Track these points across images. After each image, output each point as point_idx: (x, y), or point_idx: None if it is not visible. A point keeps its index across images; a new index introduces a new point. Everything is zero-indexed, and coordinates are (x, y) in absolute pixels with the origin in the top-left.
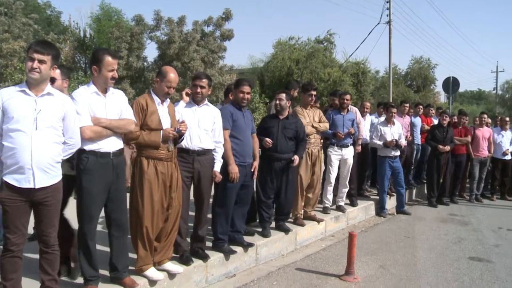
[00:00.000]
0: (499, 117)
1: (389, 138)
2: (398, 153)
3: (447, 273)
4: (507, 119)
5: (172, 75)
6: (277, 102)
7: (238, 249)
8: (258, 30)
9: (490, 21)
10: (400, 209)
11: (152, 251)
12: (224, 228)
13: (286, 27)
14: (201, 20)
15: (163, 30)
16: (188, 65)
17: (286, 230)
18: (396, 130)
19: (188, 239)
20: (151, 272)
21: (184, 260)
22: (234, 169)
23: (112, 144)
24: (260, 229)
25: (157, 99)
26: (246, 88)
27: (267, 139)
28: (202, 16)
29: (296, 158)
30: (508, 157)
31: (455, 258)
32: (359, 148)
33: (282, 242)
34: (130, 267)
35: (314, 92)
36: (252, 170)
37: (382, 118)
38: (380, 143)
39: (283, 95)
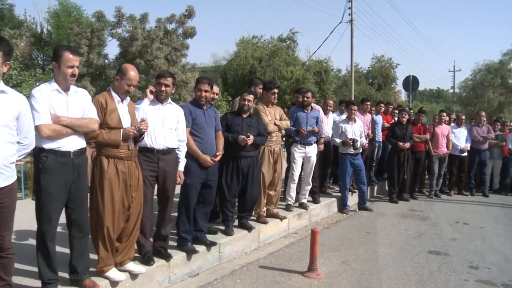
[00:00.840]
0: (456, 115)
1: (350, 136)
2: (360, 150)
3: (407, 267)
4: (463, 117)
5: (133, 73)
6: (245, 102)
7: (201, 248)
8: (221, 28)
9: (448, 22)
10: (362, 206)
11: (113, 252)
12: (187, 227)
13: (249, 25)
14: (164, 18)
15: (125, 27)
16: (151, 63)
17: (249, 228)
18: (357, 128)
19: (152, 239)
20: (113, 273)
21: (146, 260)
22: (205, 157)
23: (73, 143)
24: (223, 228)
25: (116, 97)
26: (204, 86)
27: (242, 136)
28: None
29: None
30: (464, 154)
31: (415, 253)
32: (321, 146)
33: (245, 240)
34: (91, 269)
35: (276, 90)
36: (216, 158)
37: (344, 116)
38: (340, 141)
39: (251, 97)
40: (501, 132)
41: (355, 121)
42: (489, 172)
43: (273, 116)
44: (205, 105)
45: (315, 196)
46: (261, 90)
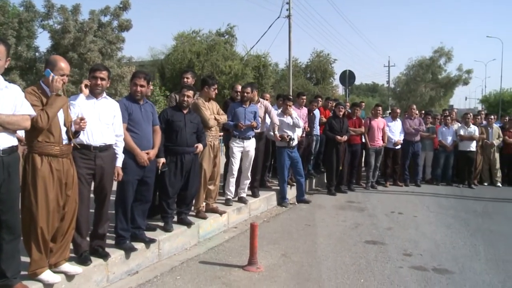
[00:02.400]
0: (391, 109)
1: (285, 128)
2: (295, 142)
3: (345, 257)
4: (398, 110)
5: (63, 64)
6: (185, 98)
7: (140, 245)
8: (159, 22)
9: (382, 19)
10: (300, 198)
11: (47, 253)
12: (124, 225)
13: (188, 19)
14: (98, 10)
15: (56, 19)
16: (84, 56)
17: (189, 224)
18: (293, 122)
19: (89, 238)
20: (47, 275)
21: (83, 259)
22: (143, 155)
23: (2, 141)
24: (162, 224)
25: (49, 91)
26: (140, 81)
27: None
28: (98, 5)
29: (200, 145)
30: (398, 147)
31: (352, 243)
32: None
33: (184, 236)
34: (22, 272)
35: (215, 86)
36: (148, 158)
37: (279, 110)
38: (278, 135)
39: (191, 92)
40: (432, 125)
41: (290, 115)
42: (421, 163)
43: (212, 111)
44: (141, 100)
45: (254, 190)
46: (191, 80)
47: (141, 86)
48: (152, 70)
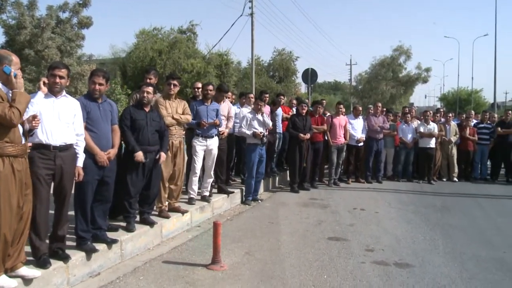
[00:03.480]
0: (353, 106)
1: (257, 126)
2: (265, 140)
3: (309, 254)
4: (360, 108)
5: (14, 58)
6: (145, 94)
7: (102, 246)
8: (120, 19)
9: (345, 18)
10: (254, 196)
11: (5, 258)
12: (84, 226)
13: (149, 16)
14: (56, 5)
15: (10, 13)
16: (42, 54)
17: (151, 223)
18: (263, 118)
19: (48, 241)
20: (2, 280)
21: (42, 263)
22: (103, 155)
23: None
24: (124, 224)
25: (5, 89)
26: (99, 79)
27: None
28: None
29: (162, 155)
30: (361, 144)
31: (315, 240)
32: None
33: (147, 236)
34: None
35: (173, 82)
36: (108, 157)
37: (244, 109)
38: (249, 132)
39: (151, 88)
40: (393, 122)
41: (262, 113)
42: (383, 160)
43: (174, 110)
44: (100, 98)
45: (222, 187)
46: (154, 80)
47: (100, 84)
48: (114, 68)
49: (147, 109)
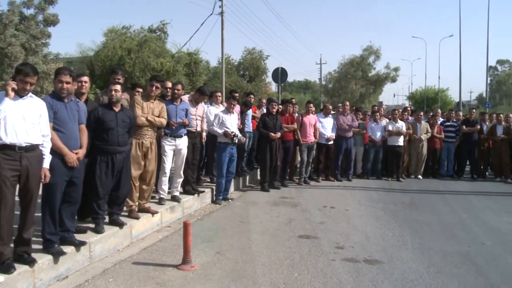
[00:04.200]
0: (323, 105)
1: (228, 125)
2: (236, 143)
3: (279, 252)
4: (330, 107)
5: None
6: (113, 93)
7: (70, 248)
8: (88, 17)
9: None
10: (225, 195)
11: None
12: (52, 229)
13: (118, 15)
14: (19, 1)
15: None
16: (5, 51)
17: (121, 224)
18: (235, 119)
19: (13, 245)
20: None
21: (6, 267)
22: (72, 155)
23: None
24: (93, 226)
25: None
26: (66, 77)
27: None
28: None
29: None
30: (330, 142)
31: (286, 238)
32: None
33: (117, 237)
34: None
35: (156, 84)
36: (77, 157)
37: (212, 108)
38: (221, 131)
39: (119, 86)
40: (362, 121)
41: (233, 112)
42: (353, 158)
43: (150, 111)
44: (67, 97)
45: (189, 188)
46: (121, 79)
47: (67, 83)
48: (81, 67)
49: (116, 109)
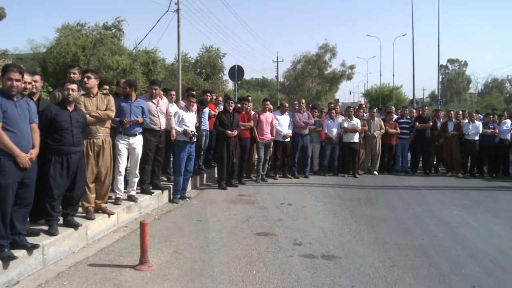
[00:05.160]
0: (280, 103)
1: (188, 123)
2: (195, 139)
3: (237, 250)
4: (286, 104)
5: None
6: (70, 92)
7: (22, 252)
8: (39, 12)
9: (272, 15)
10: (182, 194)
11: None
12: (3, 232)
13: (72, 11)
14: None
15: None
16: None
17: (75, 226)
18: (193, 117)
19: None
20: None
21: None
22: (24, 156)
23: None
24: (46, 228)
25: None
26: (15, 75)
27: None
28: None
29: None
30: (287, 140)
31: (244, 236)
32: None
33: (72, 239)
34: None
35: (89, 75)
36: (30, 158)
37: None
38: (180, 129)
39: (75, 86)
40: (319, 118)
41: (193, 110)
42: (309, 155)
43: (94, 107)
44: (16, 96)
45: (146, 187)
46: (78, 76)
47: (17, 80)
48: (33, 64)
49: (70, 109)
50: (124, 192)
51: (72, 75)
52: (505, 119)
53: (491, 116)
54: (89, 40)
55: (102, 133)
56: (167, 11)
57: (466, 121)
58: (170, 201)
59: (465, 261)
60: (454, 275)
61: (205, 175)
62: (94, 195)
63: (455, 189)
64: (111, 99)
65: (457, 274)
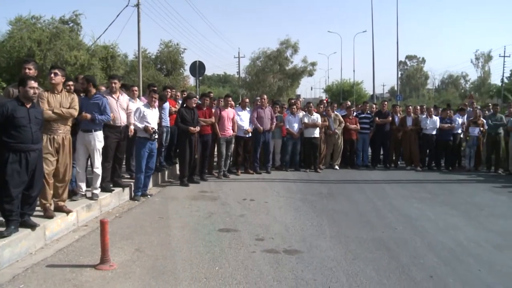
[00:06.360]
0: (241, 98)
1: (150, 120)
2: (156, 136)
3: (200, 247)
4: (247, 100)
5: None
6: (35, 91)
7: None
8: None
9: (233, 11)
10: (143, 191)
11: None
12: None
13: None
14: None
15: None
16: None
17: (33, 226)
18: (156, 114)
19: None
20: None
21: None
22: None
23: None
24: (1, 229)
25: None
26: None
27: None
28: None
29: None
30: (249, 135)
31: (206, 232)
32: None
33: (28, 240)
34: None
35: (55, 71)
36: None
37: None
38: (141, 126)
39: (36, 83)
40: (280, 113)
41: (155, 107)
42: (271, 151)
43: (58, 104)
44: None
45: (106, 185)
46: (33, 71)
47: None
48: None
49: (28, 105)
50: (87, 190)
51: (27, 70)
52: (463, 114)
53: (448, 111)
54: (45, 34)
55: (63, 130)
56: (127, 6)
57: (424, 116)
58: (132, 198)
59: (424, 252)
60: (413, 266)
61: (166, 172)
62: (52, 192)
63: (414, 182)
64: (75, 97)
65: (416, 265)
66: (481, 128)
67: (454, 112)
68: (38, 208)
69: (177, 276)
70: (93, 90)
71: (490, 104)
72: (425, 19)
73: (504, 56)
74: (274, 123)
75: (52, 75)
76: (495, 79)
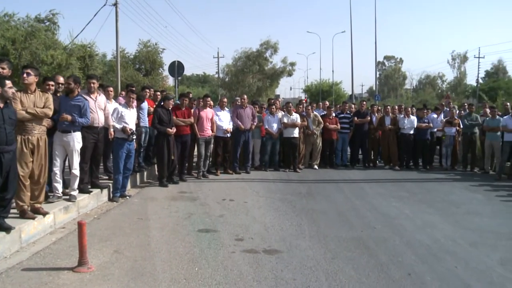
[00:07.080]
0: (220, 98)
1: (128, 120)
2: (134, 137)
3: (179, 248)
4: (225, 99)
5: None
6: (13, 91)
7: None
8: None
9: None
10: (122, 192)
11: None
12: None
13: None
14: None
15: None
16: None
17: (7, 229)
18: (134, 114)
19: None
20: None
21: None
22: None
23: None
24: None
25: None
26: None
27: None
28: None
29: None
30: (228, 135)
31: (185, 233)
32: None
33: (3, 243)
34: None
35: (28, 71)
36: None
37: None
38: (119, 126)
39: (9, 82)
40: (259, 113)
41: (133, 107)
42: (250, 151)
43: (31, 104)
44: None
45: (83, 186)
46: (7, 71)
47: None
48: None
49: (1, 105)
50: (65, 192)
51: (1, 70)
52: (440, 113)
53: (425, 111)
54: (19, 32)
55: (38, 131)
56: (104, 5)
57: (402, 115)
58: (110, 200)
59: (402, 250)
60: (392, 264)
61: (145, 173)
62: (29, 193)
63: (392, 181)
64: (50, 97)
65: (395, 263)
66: (457, 128)
67: (430, 112)
68: (13, 210)
69: (156, 277)
70: (77, 91)
71: (466, 104)
72: (403, 19)
73: (479, 57)
74: (255, 122)
75: (25, 75)
76: (471, 80)
